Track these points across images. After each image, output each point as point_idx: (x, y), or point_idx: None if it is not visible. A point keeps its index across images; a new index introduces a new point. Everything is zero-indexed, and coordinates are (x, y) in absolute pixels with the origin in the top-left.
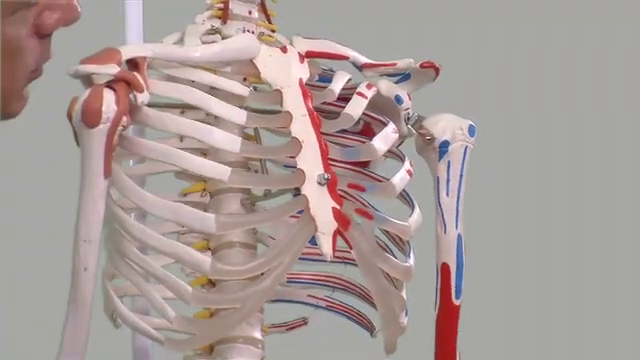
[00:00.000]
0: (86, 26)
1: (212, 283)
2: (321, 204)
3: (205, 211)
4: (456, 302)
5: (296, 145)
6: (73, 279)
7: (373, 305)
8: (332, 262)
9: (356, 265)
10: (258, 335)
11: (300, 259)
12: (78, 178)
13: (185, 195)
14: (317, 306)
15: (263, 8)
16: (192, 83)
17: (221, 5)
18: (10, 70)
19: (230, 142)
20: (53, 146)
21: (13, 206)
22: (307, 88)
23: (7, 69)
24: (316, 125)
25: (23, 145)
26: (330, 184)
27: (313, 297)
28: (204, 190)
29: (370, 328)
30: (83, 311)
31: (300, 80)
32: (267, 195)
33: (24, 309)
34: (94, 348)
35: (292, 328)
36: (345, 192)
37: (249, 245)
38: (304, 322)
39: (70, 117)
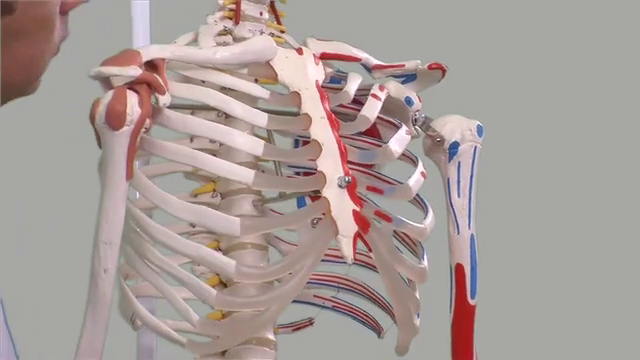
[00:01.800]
0: (93, 26)
1: (224, 284)
2: (342, 207)
3: None
4: (471, 302)
5: (316, 148)
6: (92, 280)
7: (379, 306)
8: (337, 263)
9: (362, 266)
10: (271, 336)
11: None
12: (96, 180)
13: (195, 196)
14: (323, 306)
15: (273, 9)
16: (212, 85)
17: (233, 6)
18: (44, 48)
19: (254, 145)
20: (67, 148)
21: (32, 208)
22: (324, 90)
23: (42, 47)
24: (335, 127)
25: (36, 147)
26: (350, 187)
27: (319, 297)
28: (214, 191)
29: (377, 329)
30: (102, 313)
31: (317, 82)
32: (282, 197)
33: (41, 310)
34: None
35: (298, 328)
36: (362, 195)
37: (261, 246)
38: (310, 322)
39: (93, 119)
